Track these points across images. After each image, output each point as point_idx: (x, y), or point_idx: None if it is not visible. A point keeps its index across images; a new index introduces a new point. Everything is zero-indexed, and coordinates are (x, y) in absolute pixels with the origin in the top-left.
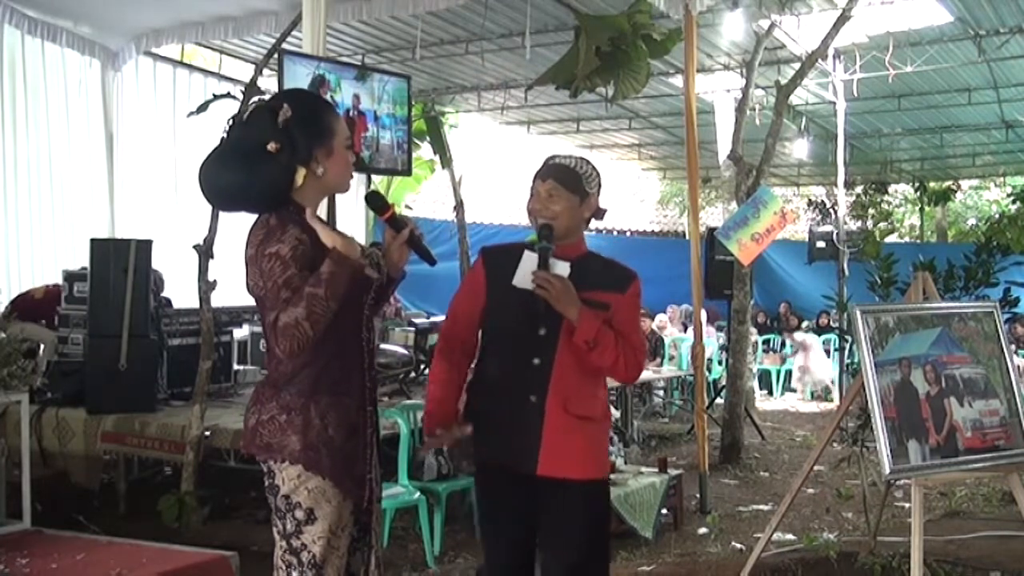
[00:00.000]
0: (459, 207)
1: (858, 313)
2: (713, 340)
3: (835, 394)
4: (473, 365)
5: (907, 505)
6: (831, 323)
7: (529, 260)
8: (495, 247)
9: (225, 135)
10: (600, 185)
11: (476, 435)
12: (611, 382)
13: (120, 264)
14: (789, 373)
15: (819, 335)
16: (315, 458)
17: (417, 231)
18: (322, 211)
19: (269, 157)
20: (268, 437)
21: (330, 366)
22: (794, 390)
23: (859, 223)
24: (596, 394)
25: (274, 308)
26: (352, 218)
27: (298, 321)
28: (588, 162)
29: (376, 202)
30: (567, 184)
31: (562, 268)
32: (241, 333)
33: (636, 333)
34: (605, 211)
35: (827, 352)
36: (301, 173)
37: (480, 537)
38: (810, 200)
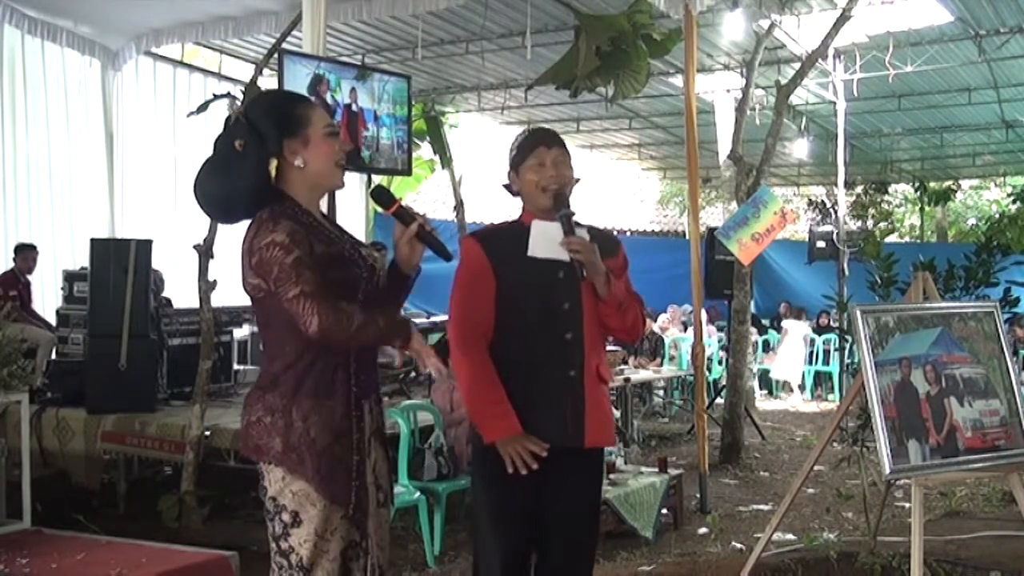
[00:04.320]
0: (459, 207)
1: (858, 313)
2: (713, 340)
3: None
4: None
5: (907, 505)
6: (831, 323)
7: (543, 228)
8: (481, 231)
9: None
10: None
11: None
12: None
13: (120, 264)
14: None
15: (819, 335)
16: (297, 461)
17: (427, 225)
18: (323, 209)
19: (239, 156)
20: (256, 439)
21: (312, 369)
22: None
23: (859, 223)
24: (606, 357)
25: (295, 283)
26: (352, 217)
27: (353, 321)
28: None
29: (382, 197)
30: (567, 150)
31: (583, 234)
32: (241, 333)
33: (635, 292)
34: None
35: (825, 352)
36: (273, 164)
37: (490, 521)
38: (810, 200)
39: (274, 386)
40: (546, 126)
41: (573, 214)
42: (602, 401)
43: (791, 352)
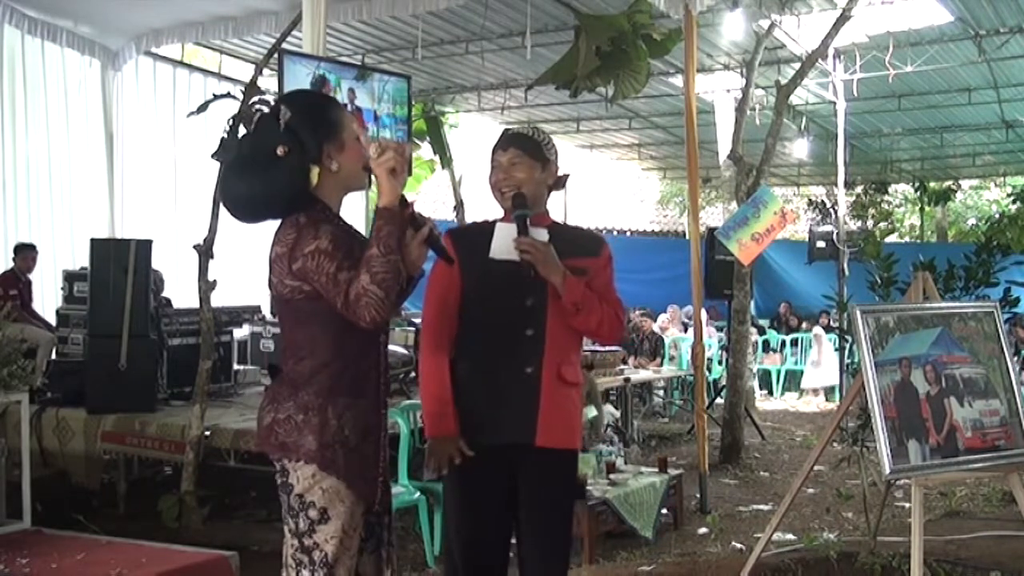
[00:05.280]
0: (459, 207)
1: (858, 313)
2: (713, 340)
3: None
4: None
5: (907, 505)
6: (831, 323)
7: (504, 230)
8: (460, 227)
9: (226, 136)
10: (557, 153)
11: (468, 415)
12: (611, 381)
13: (120, 264)
14: (789, 373)
15: None
16: (330, 458)
17: (436, 230)
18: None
19: (281, 161)
20: (284, 436)
21: (349, 367)
22: (796, 390)
23: (859, 223)
24: (578, 360)
25: (338, 293)
26: (352, 217)
27: (365, 287)
28: (543, 131)
29: None
30: (528, 151)
31: (541, 234)
32: (241, 333)
33: (614, 294)
34: (567, 177)
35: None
36: (315, 171)
37: (456, 521)
38: (810, 200)
39: (308, 384)
40: (545, 126)
41: (528, 215)
42: (563, 402)
43: (828, 358)
